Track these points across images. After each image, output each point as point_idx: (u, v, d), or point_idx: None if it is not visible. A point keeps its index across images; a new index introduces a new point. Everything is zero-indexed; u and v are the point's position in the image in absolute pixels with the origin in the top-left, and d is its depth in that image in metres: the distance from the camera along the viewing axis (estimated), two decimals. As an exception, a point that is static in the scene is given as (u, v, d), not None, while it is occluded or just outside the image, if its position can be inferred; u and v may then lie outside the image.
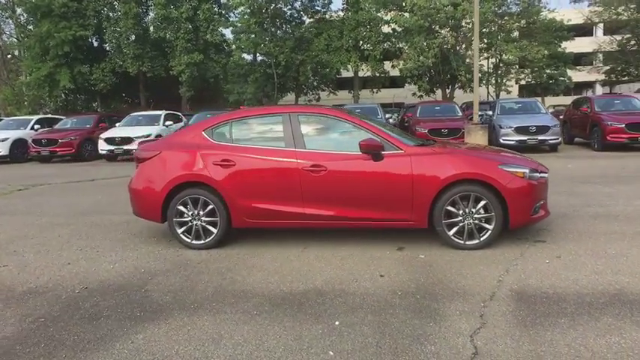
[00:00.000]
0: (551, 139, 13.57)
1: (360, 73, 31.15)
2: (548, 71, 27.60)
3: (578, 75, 31.26)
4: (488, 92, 30.99)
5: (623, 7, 26.40)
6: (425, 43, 24.80)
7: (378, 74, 29.62)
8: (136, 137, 14.66)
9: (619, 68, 29.43)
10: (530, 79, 29.12)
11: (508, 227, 4.61)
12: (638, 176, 8.86)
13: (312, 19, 29.52)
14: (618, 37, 28.87)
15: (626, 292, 3.50)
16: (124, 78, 30.54)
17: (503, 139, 13.60)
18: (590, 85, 39.35)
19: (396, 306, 3.41)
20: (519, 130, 13.56)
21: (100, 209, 7.31)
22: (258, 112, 5.31)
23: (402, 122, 19.74)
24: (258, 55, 30.36)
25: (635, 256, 4.28)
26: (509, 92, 29.24)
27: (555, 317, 3.14)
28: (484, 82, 29.98)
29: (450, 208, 4.59)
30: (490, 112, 15.51)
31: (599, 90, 39.65)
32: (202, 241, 4.98)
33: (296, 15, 29.59)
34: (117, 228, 6.01)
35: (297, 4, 29.09)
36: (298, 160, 4.75)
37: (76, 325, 3.27)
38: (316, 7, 29.35)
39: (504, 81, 29.92)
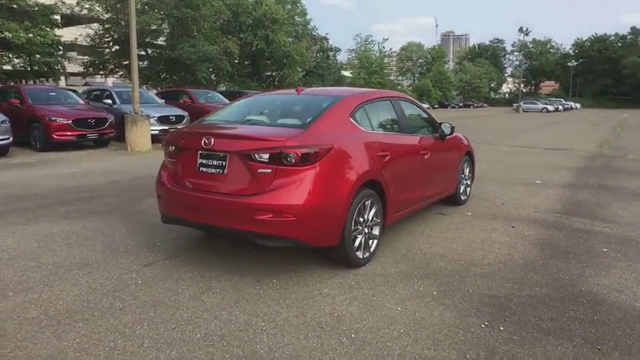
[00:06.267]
0: None
1: None
2: (42, 58, 25.73)
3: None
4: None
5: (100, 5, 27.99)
6: None
7: None
8: None
9: (97, 62, 30.97)
10: (21, 65, 26.22)
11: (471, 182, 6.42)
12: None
13: None
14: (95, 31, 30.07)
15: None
16: None
17: None
18: (80, 75, 37.65)
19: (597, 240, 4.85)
20: None
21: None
22: (374, 95, 4.53)
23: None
24: None
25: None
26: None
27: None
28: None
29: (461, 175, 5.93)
30: None
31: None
32: (368, 253, 3.93)
33: None
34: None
35: None
36: (418, 145, 4.68)
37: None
38: None
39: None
